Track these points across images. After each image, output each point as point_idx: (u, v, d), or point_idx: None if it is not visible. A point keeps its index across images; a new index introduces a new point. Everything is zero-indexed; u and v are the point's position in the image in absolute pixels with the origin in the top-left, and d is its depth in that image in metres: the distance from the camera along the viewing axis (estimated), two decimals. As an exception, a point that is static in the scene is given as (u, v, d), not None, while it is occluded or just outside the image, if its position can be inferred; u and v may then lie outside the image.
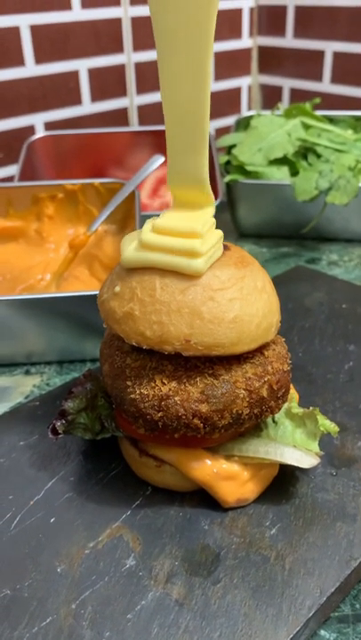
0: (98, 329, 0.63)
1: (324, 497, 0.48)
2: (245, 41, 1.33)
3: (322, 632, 0.41)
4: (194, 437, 0.45)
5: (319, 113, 1.03)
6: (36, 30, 1.03)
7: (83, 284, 0.76)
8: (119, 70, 1.16)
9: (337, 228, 0.96)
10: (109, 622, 0.40)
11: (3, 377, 0.68)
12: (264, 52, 1.34)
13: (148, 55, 1.17)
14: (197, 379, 0.43)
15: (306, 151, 0.96)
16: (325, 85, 1.25)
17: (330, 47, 1.21)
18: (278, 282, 0.77)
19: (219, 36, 1.28)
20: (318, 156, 0.94)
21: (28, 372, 0.68)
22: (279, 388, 0.46)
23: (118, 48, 1.14)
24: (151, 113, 1.23)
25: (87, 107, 1.15)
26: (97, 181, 0.81)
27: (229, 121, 1.37)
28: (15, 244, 0.82)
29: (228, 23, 1.28)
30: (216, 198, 0.88)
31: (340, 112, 1.06)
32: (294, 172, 0.94)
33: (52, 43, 1.06)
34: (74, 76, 1.11)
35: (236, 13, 1.28)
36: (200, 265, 0.42)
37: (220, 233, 0.45)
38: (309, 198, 0.88)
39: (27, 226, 0.82)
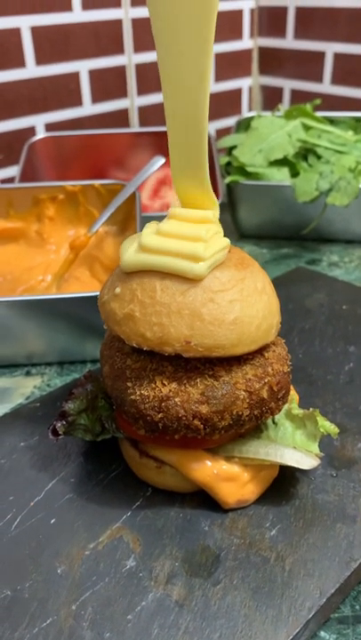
0: (98, 330, 0.63)
1: (324, 498, 0.48)
2: (246, 42, 1.33)
3: (322, 633, 0.41)
4: (194, 438, 0.45)
5: (320, 114, 1.03)
6: (36, 31, 1.03)
7: (83, 286, 0.76)
8: (120, 71, 1.16)
9: (337, 229, 0.96)
10: (110, 623, 0.40)
11: (3, 378, 0.68)
12: (265, 52, 1.34)
13: (148, 56, 1.17)
14: (198, 380, 0.44)
15: (306, 152, 0.96)
16: (326, 86, 1.25)
17: (330, 48, 1.21)
18: (279, 283, 0.78)
19: (219, 37, 1.28)
20: (319, 157, 0.95)
21: (28, 373, 0.68)
22: (279, 390, 0.46)
23: (119, 49, 1.14)
24: (152, 114, 1.23)
25: (88, 108, 1.15)
26: (98, 182, 0.81)
27: (230, 122, 1.37)
28: (16, 245, 0.82)
29: (229, 24, 1.28)
30: (216, 199, 0.88)
31: (341, 113, 1.06)
32: (295, 174, 0.94)
33: (52, 44, 1.06)
34: (74, 77, 1.11)
35: (237, 14, 1.29)
36: (202, 269, 0.42)
37: (225, 241, 0.45)
38: (310, 199, 0.88)
39: (27, 227, 0.82)
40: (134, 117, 1.22)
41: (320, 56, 1.23)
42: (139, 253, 0.44)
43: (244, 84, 1.37)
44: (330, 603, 0.41)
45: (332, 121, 1.04)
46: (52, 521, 0.47)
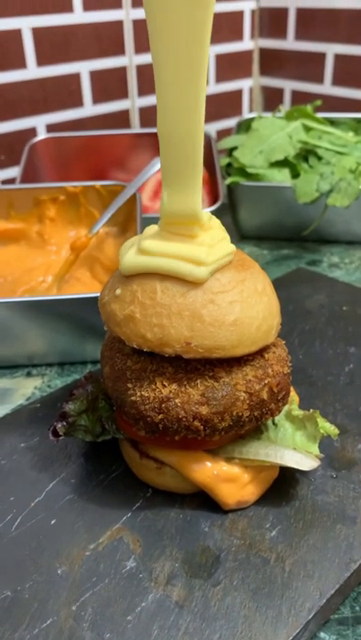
0: (99, 331, 0.63)
1: (324, 499, 0.48)
2: (247, 43, 1.33)
3: (322, 634, 0.42)
4: (194, 440, 0.45)
5: (320, 115, 1.03)
6: (37, 33, 1.03)
7: (84, 287, 0.76)
8: (121, 72, 1.17)
9: (338, 230, 0.96)
10: (110, 624, 0.40)
11: (4, 379, 0.68)
12: (265, 54, 1.34)
13: (149, 57, 1.16)
14: (198, 381, 0.44)
15: (307, 153, 0.96)
16: (327, 87, 1.25)
17: (331, 49, 1.21)
18: (279, 284, 0.78)
19: (220, 38, 1.28)
20: (319, 158, 0.95)
21: (29, 374, 0.68)
22: (279, 391, 0.46)
23: (120, 50, 1.14)
24: (153, 115, 1.24)
25: (89, 109, 1.15)
26: (98, 184, 0.81)
27: (230, 123, 1.37)
28: (16, 245, 0.82)
29: (230, 25, 1.28)
30: (217, 200, 0.88)
31: (342, 114, 1.06)
32: (295, 175, 0.94)
33: (53, 45, 1.06)
34: (75, 78, 1.11)
35: (238, 15, 1.29)
36: (203, 273, 0.42)
37: (231, 247, 0.45)
38: (310, 200, 0.88)
39: (28, 228, 0.82)
40: (135, 118, 1.22)
41: (321, 57, 1.23)
42: (138, 256, 0.44)
43: (244, 84, 1.37)
44: (330, 604, 0.41)
45: (332, 122, 1.04)
46: (53, 522, 0.47)
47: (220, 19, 1.25)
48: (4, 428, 0.57)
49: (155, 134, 1.09)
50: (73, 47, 1.09)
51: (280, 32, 1.29)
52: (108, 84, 1.16)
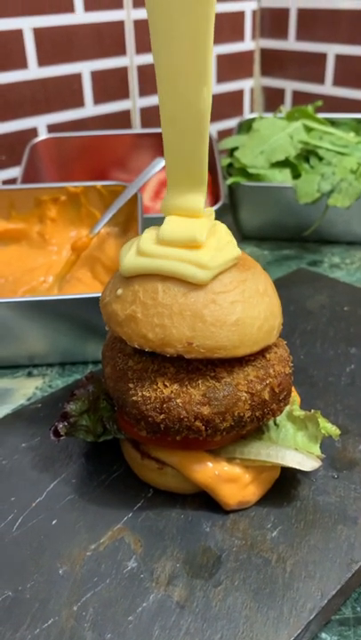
0: (100, 331, 0.63)
1: (325, 500, 0.48)
2: (248, 43, 1.33)
3: (323, 635, 0.41)
4: (195, 440, 0.45)
5: (321, 115, 1.03)
6: (38, 33, 1.03)
7: (85, 287, 0.76)
8: (122, 73, 1.17)
9: (339, 230, 0.96)
10: (111, 624, 0.40)
11: (5, 379, 0.68)
12: (266, 54, 1.34)
13: (150, 58, 1.17)
14: (199, 381, 0.44)
15: (308, 154, 0.96)
16: (328, 88, 1.25)
17: (332, 50, 1.21)
18: (280, 284, 0.78)
19: (221, 39, 1.28)
20: (320, 158, 0.95)
21: (30, 374, 0.68)
22: (281, 391, 0.46)
23: (121, 51, 1.15)
24: (154, 115, 1.24)
25: (90, 109, 1.16)
26: (99, 184, 0.81)
27: (232, 123, 1.37)
28: (17, 246, 0.82)
29: (231, 25, 1.29)
30: (218, 201, 0.88)
31: (343, 115, 1.06)
32: (296, 175, 0.94)
33: (54, 45, 1.06)
34: (77, 78, 1.11)
35: (239, 16, 1.29)
36: (206, 276, 0.42)
37: (237, 252, 0.45)
38: (311, 201, 0.88)
39: (29, 228, 0.82)
40: (136, 119, 1.22)
41: (322, 57, 1.23)
42: (139, 258, 0.44)
43: (245, 85, 1.37)
44: (331, 604, 0.41)
45: (333, 122, 1.05)
46: (54, 522, 0.47)
47: (221, 19, 1.25)
48: (5, 428, 0.57)
49: (156, 134, 1.09)
50: (74, 47, 1.09)
51: (281, 32, 1.29)
52: (110, 85, 1.16)
